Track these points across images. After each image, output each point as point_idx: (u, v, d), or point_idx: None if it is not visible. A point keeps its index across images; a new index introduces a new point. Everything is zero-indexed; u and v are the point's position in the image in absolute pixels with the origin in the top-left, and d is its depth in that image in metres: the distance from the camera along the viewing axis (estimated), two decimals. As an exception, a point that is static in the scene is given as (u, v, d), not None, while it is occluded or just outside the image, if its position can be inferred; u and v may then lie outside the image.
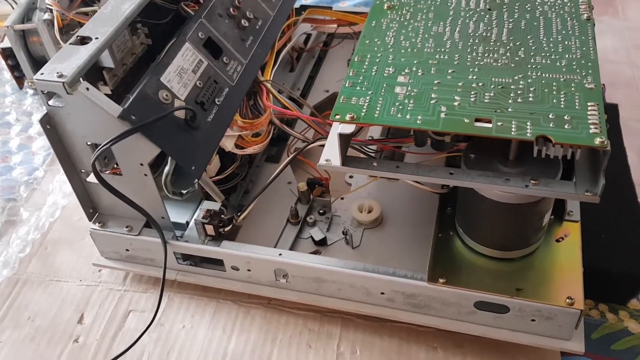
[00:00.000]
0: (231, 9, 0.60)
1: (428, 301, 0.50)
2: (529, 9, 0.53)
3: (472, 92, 0.45)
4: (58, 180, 0.72)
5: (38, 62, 0.83)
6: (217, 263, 0.55)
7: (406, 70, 0.48)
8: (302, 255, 0.53)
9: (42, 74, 0.46)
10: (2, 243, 0.65)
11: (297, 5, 0.78)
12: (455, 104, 0.44)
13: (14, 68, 0.85)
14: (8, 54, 0.83)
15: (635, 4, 1.06)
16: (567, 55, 0.47)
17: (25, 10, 0.79)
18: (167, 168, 0.51)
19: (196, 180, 0.52)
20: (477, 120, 0.43)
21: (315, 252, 0.56)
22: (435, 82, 0.46)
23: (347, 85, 0.47)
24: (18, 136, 0.81)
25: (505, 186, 0.43)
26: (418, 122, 0.43)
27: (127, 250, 0.57)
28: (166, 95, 0.50)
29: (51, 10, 0.72)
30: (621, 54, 0.94)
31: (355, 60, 0.50)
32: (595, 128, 0.41)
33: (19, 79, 0.86)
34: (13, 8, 0.83)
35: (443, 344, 0.53)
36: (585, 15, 0.51)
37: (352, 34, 0.81)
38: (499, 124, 0.42)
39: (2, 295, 0.61)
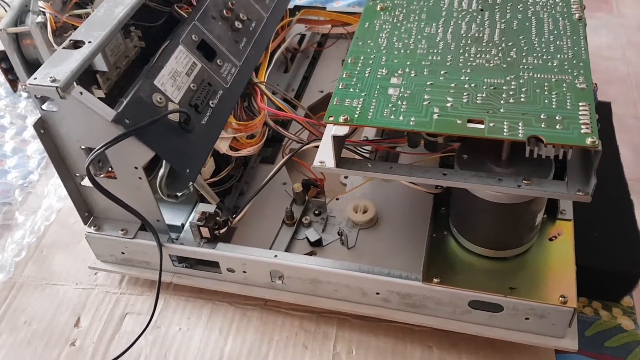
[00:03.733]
0: (224, 11, 0.60)
1: (423, 301, 0.50)
2: (520, 9, 0.53)
3: (464, 93, 0.45)
4: (53, 183, 0.72)
5: (32, 65, 0.83)
6: (212, 265, 0.55)
7: (399, 72, 0.48)
8: (297, 257, 0.53)
9: (35, 78, 0.46)
10: (-2, 247, 0.66)
11: (290, 5, 0.78)
12: (448, 105, 0.44)
13: (8, 71, 0.84)
14: (1, 57, 0.82)
15: (630, 0, 1.07)
16: (558, 56, 0.48)
17: (18, 13, 0.79)
18: (161, 171, 0.51)
19: (191, 182, 0.52)
20: (469, 121, 0.43)
21: (310, 253, 0.56)
22: (427, 83, 0.47)
23: (340, 87, 0.47)
24: (12, 139, 0.81)
25: (498, 186, 0.43)
26: (411, 123, 0.44)
27: (123, 253, 0.57)
28: (160, 98, 0.50)
29: (44, 13, 0.72)
30: (616, 50, 0.94)
31: (349, 62, 0.50)
32: (587, 128, 0.41)
33: (13, 82, 0.86)
34: (6, 11, 0.83)
35: (438, 343, 0.53)
36: (577, 15, 0.52)
37: (346, 34, 0.81)
38: (491, 124, 0.42)
39: (-2, 299, 0.61)
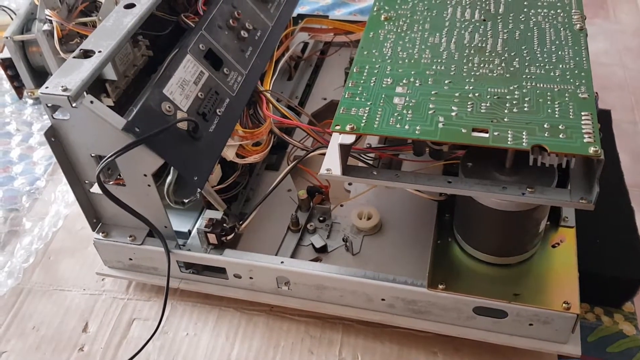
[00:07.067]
0: (231, 21, 0.61)
1: (428, 307, 0.51)
2: (523, 19, 0.54)
3: (468, 102, 0.46)
4: (60, 190, 0.72)
5: (37, 72, 0.84)
6: (219, 271, 0.56)
7: (404, 81, 0.49)
8: (303, 263, 0.54)
9: (46, 87, 0.46)
10: (6, 253, 0.66)
11: (294, 14, 0.79)
12: (453, 114, 0.45)
13: (14, 78, 0.85)
14: (8, 64, 0.83)
15: (627, 7, 1.08)
16: (560, 66, 0.48)
17: (24, 21, 0.80)
18: (169, 178, 0.51)
19: (199, 189, 0.52)
20: (474, 130, 0.44)
21: (316, 259, 0.57)
22: (432, 92, 0.47)
23: (346, 96, 0.48)
24: (19, 146, 0.81)
25: (503, 194, 0.44)
26: (417, 132, 0.44)
27: (131, 259, 0.58)
28: (169, 107, 0.51)
29: (50, 21, 0.73)
30: (613, 56, 0.95)
31: (354, 71, 0.51)
32: (589, 137, 0.42)
33: (19, 88, 0.87)
34: (12, 19, 0.83)
35: (442, 349, 0.54)
36: (578, 25, 0.53)
37: (349, 42, 0.82)
38: (496, 133, 0.43)
39: (7, 305, 0.61)
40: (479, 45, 0.52)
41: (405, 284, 0.50)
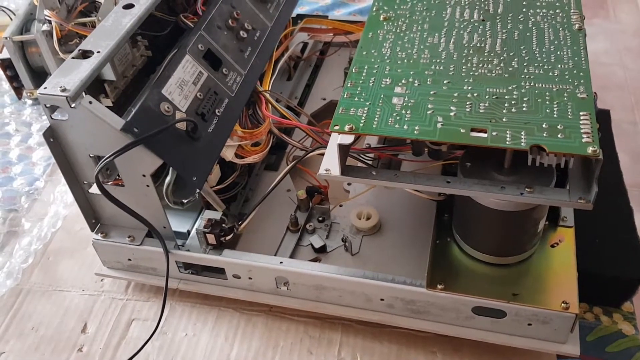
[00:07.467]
0: (230, 21, 0.61)
1: (427, 307, 0.51)
2: (521, 19, 0.54)
3: (467, 103, 0.46)
4: (59, 190, 0.72)
5: (37, 73, 0.84)
6: (218, 271, 0.56)
7: (403, 81, 0.49)
8: (302, 263, 0.54)
9: (45, 88, 0.46)
10: (5, 254, 0.66)
11: (293, 14, 0.79)
12: (451, 114, 0.45)
13: (13, 79, 0.85)
14: (7, 65, 0.83)
15: (627, 7, 1.08)
16: (559, 65, 0.48)
17: (23, 22, 0.80)
18: (168, 178, 0.51)
19: (197, 190, 0.52)
20: (472, 130, 0.44)
21: (315, 260, 0.57)
22: (431, 92, 0.47)
23: (345, 96, 0.48)
24: (18, 147, 0.81)
25: (501, 194, 0.44)
26: (415, 132, 0.44)
27: (130, 259, 0.58)
28: (168, 107, 0.51)
29: (50, 22, 0.73)
30: (613, 56, 0.95)
31: (353, 71, 0.51)
32: (588, 137, 0.42)
33: (18, 89, 0.87)
34: (11, 19, 0.83)
35: (442, 349, 0.54)
36: (577, 25, 0.53)
37: (348, 43, 0.82)
38: (494, 133, 0.43)
39: (5, 306, 0.61)
40: (478, 45, 0.52)
41: (404, 284, 0.50)
